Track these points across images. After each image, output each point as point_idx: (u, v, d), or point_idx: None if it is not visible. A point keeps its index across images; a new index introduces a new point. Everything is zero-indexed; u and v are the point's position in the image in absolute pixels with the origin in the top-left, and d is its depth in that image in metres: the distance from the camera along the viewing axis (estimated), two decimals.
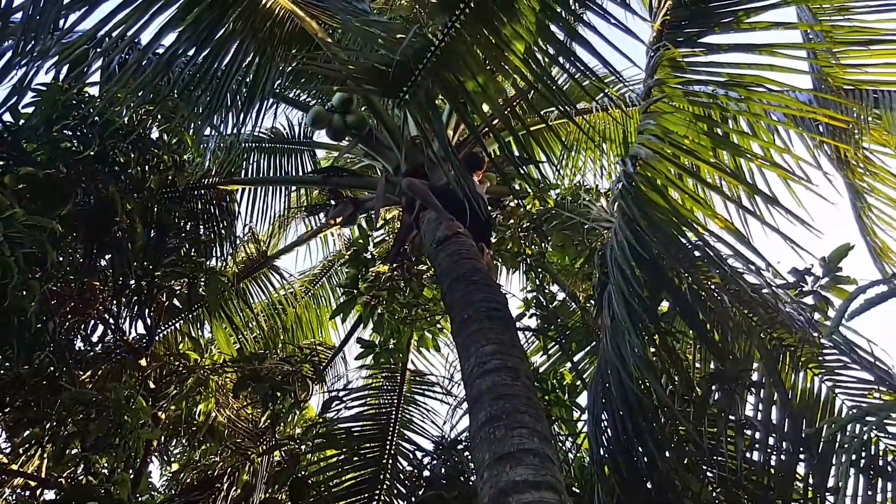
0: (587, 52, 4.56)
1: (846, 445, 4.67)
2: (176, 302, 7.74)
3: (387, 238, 8.79)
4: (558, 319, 7.05)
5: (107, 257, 6.48)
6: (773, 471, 4.93)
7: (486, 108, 5.07)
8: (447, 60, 4.68)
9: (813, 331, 5.06)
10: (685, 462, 4.90)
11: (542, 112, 8.26)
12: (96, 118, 5.96)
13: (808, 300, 5.15)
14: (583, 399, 6.62)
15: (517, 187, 7.81)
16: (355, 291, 7.26)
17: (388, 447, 7.39)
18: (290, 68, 6.04)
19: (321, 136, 8.01)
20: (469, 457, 5.75)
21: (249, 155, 9.07)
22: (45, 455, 6.05)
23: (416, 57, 4.66)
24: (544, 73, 4.72)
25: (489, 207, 6.83)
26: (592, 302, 6.69)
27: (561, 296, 7.54)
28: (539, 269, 7.25)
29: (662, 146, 4.55)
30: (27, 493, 6.13)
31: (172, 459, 8.42)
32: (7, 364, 5.57)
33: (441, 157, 5.45)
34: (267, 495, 6.45)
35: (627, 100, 8.14)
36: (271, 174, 9.33)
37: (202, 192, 7.75)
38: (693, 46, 4.73)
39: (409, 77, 4.71)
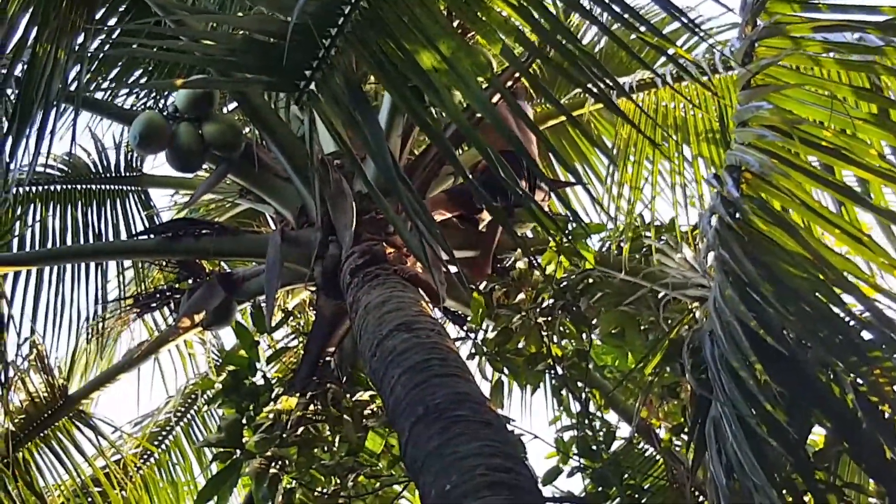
0: None
1: None
2: None
3: (292, 344, 5.48)
4: (623, 476, 4.05)
5: None
6: None
7: (457, 95, 2.83)
8: (382, 18, 2.54)
9: None
10: None
11: (557, 95, 5.29)
12: None
13: None
14: None
15: (528, 234, 4.91)
16: (238, 453, 3.90)
17: None
18: (97, 49, 3.71)
19: (160, 163, 5.04)
20: None
21: (26, 207, 5.44)
22: None
23: (327, 16, 2.53)
24: (559, 28, 2.56)
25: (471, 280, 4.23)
26: (684, 438, 3.72)
27: (624, 431, 4.74)
28: (580, 384, 4.07)
29: (788, 145, 2.53)
30: None
31: None
32: None
33: (381, 187, 3.07)
34: None
35: (710, 65, 4.23)
36: (67, 240, 5.50)
37: None
38: None
39: (316, 52, 2.59)
